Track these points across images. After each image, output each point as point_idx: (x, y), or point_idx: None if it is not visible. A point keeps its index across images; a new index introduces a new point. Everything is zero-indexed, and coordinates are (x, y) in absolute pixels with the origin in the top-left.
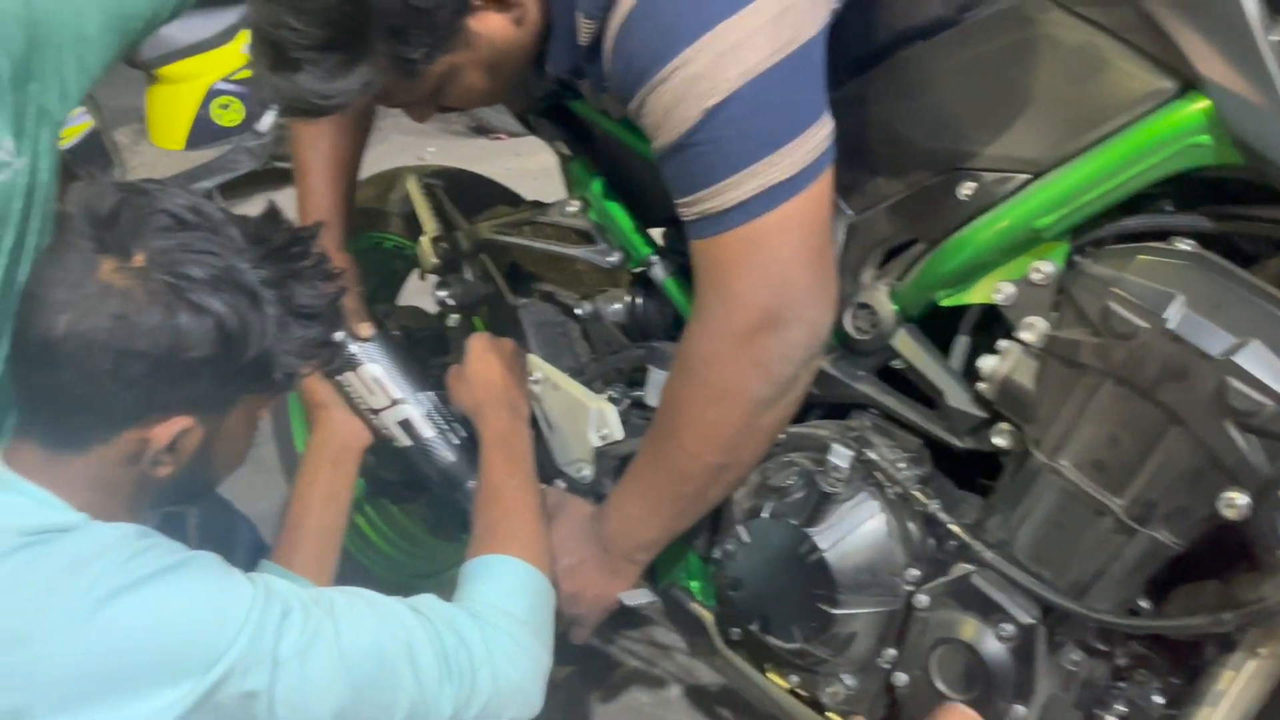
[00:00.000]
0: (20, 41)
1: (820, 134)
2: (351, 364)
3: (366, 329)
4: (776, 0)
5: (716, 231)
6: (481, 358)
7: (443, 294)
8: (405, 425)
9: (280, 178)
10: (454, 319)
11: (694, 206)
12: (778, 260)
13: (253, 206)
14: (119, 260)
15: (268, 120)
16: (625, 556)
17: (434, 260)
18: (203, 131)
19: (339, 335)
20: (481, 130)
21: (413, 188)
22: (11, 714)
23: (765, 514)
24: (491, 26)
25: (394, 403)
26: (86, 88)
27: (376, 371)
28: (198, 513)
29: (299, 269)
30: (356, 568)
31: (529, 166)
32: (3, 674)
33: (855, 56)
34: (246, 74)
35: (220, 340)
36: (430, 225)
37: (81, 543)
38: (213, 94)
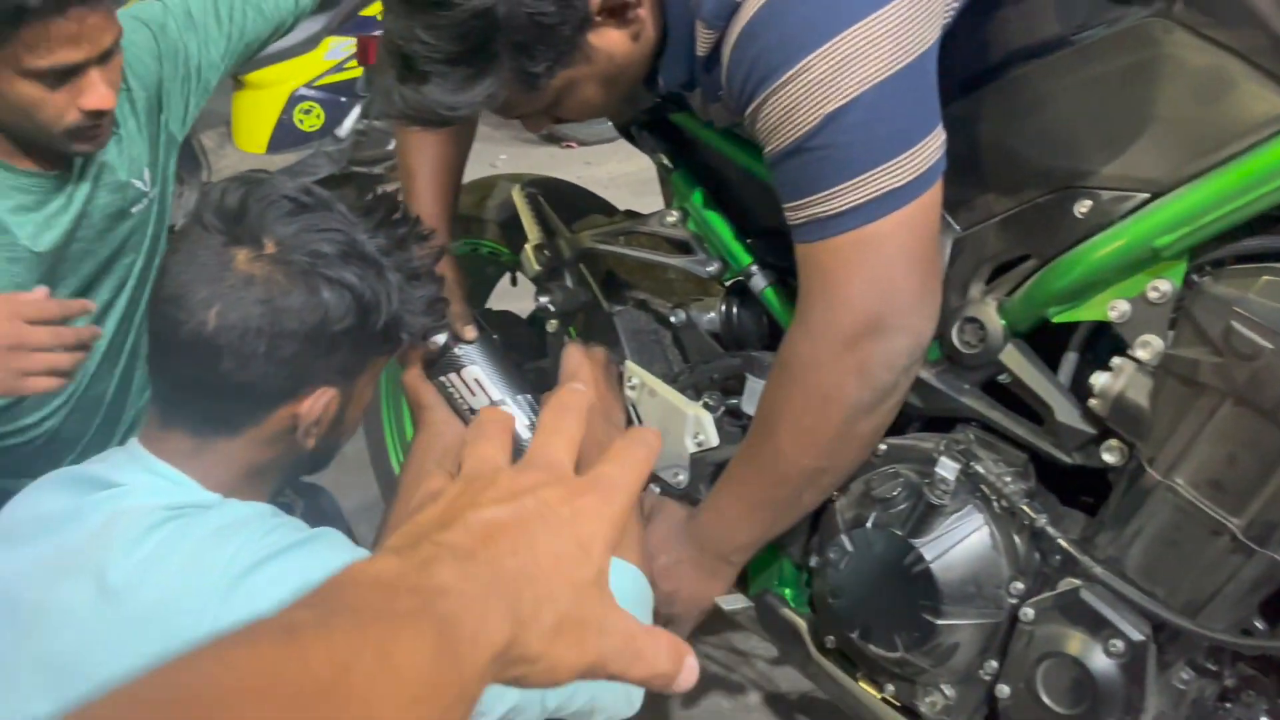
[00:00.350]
0: (155, 73)
1: (934, 144)
2: (455, 365)
3: (470, 331)
4: (897, 12)
5: (826, 235)
6: (576, 366)
7: (544, 300)
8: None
9: (358, 180)
10: (552, 324)
11: (805, 210)
12: (886, 266)
13: None
14: (252, 249)
15: (347, 126)
16: (721, 557)
17: (536, 267)
18: (284, 136)
19: (443, 337)
20: (552, 138)
21: (517, 196)
22: None
23: (869, 524)
24: (610, 41)
25: (494, 404)
26: (201, 106)
27: (478, 373)
28: (303, 504)
29: (404, 235)
30: None
31: (598, 175)
32: (148, 642)
33: (965, 74)
34: (328, 80)
35: (359, 310)
36: (534, 233)
37: (223, 516)
38: (295, 100)
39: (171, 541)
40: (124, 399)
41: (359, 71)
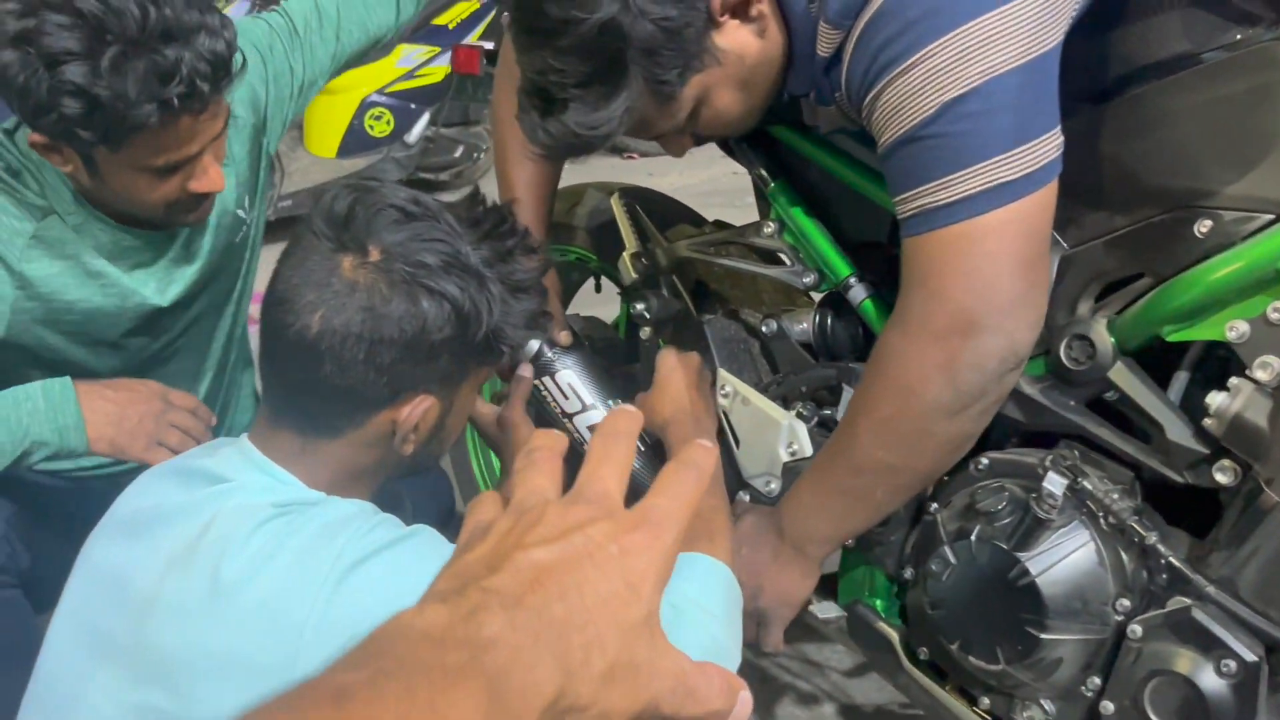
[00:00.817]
0: (261, 98)
1: (1051, 143)
2: (549, 369)
3: (565, 337)
4: (1024, 8)
5: (933, 227)
6: (670, 373)
7: (640, 307)
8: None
9: (423, 187)
10: (646, 331)
11: (915, 201)
12: (990, 262)
13: None
14: (358, 257)
15: (416, 133)
16: (798, 547)
17: (634, 275)
18: (354, 141)
19: (538, 342)
20: (615, 149)
21: (616, 205)
22: (279, 668)
23: (973, 537)
24: (738, 41)
25: (586, 408)
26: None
27: (571, 378)
28: (409, 503)
29: (510, 247)
30: None
31: (661, 186)
32: (256, 636)
33: (1076, 91)
34: (399, 87)
35: (458, 321)
36: (631, 242)
37: (328, 513)
38: (366, 106)
39: (280, 538)
40: (224, 416)
41: (429, 79)
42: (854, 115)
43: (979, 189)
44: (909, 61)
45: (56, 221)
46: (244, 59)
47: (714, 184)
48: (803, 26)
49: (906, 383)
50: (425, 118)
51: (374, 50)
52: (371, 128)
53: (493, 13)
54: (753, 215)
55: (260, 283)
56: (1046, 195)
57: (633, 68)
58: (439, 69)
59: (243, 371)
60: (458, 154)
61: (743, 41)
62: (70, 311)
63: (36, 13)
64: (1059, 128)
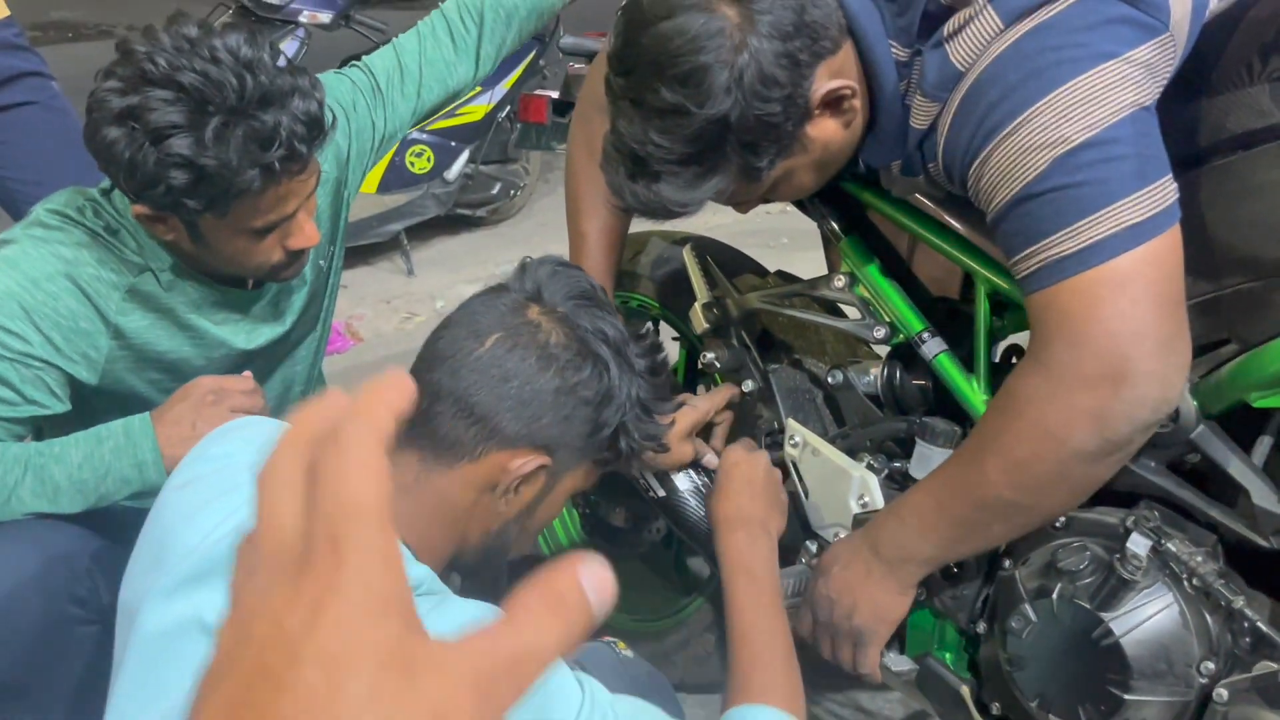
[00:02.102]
0: (344, 152)
1: (1170, 187)
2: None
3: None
4: (1119, 68)
5: (1066, 275)
6: (730, 469)
7: (710, 357)
8: (661, 476)
9: (461, 223)
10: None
11: (1040, 255)
12: (1134, 305)
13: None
14: (547, 308)
15: (455, 170)
16: (892, 565)
17: (705, 325)
18: (395, 177)
19: None
20: None
21: (688, 256)
22: None
23: (1055, 595)
24: (827, 131)
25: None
26: None
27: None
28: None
29: (656, 366)
30: None
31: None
32: None
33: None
34: (439, 125)
35: (602, 396)
36: (703, 292)
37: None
38: (407, 143)
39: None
40: None
41: (469, 118)
42: (947, 184)
43: (1110, 233)
44: (1014, 124)
45: (150, 278)
46: (334, 117)
47: (747, 224)
48: (891, 105)
49: (1048, 428)
50: (465, 155)
51: (450, 104)
52: (412, 164)
53: (532, 54)
54: (789, 257)
55: None
56: (1174, 237)
57: (730, 155)
58: (479, 108)
59: (313, 387)
60: (495, 190)
61: (830, 131)
62: (160, 361)
63: (139, 89)
64: (1170, 173)
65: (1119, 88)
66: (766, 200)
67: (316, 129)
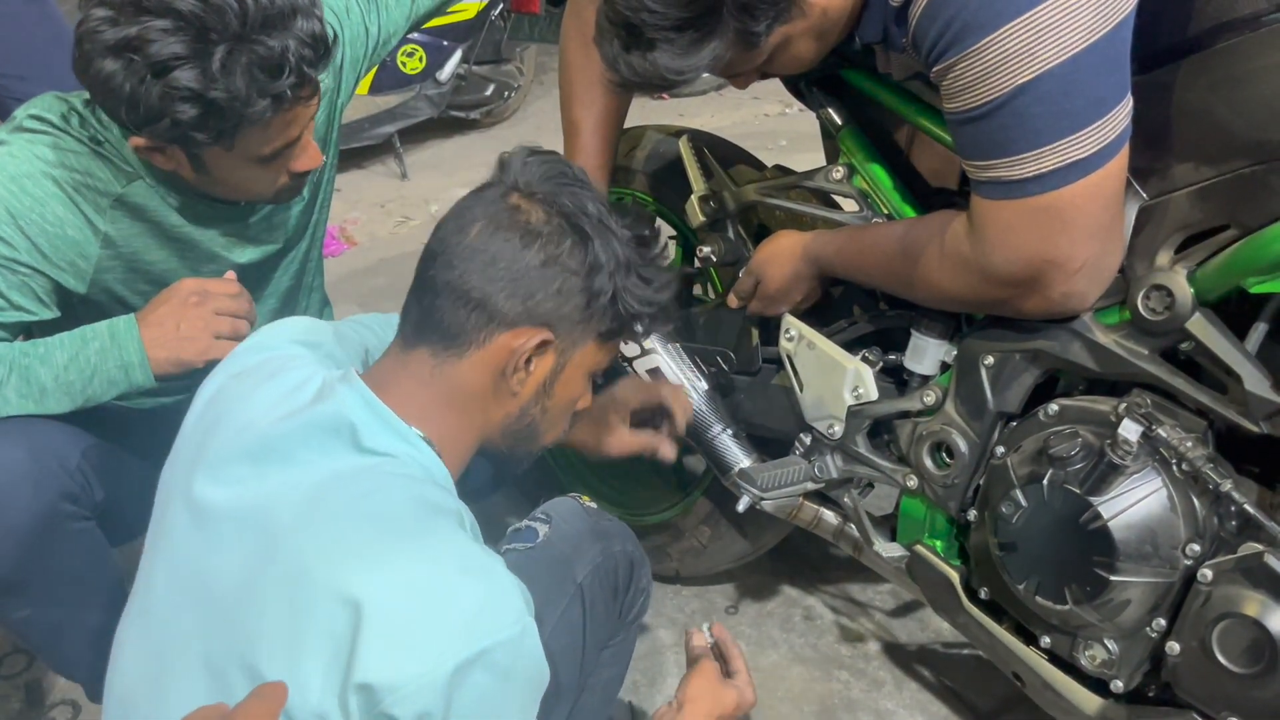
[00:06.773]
0: (336, 59)
1: (1122, 114)
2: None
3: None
4: None
5: (1007, 196)
6: (696, 699)
7: (706, 250)
8: (655, 375)
9: (455, 126)
10: (696, 289)
11: (989, 170)
12: (1065, 232)
13: (428, 152)
14: (526, 193)
15: (448, 70)
16: (806, 255)
17: (701, 218)
18: (387, 78)
19: None
20: None
21: (684, 148)
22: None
23: (1045, 481)
24: None
25: (644, 352)
26: None
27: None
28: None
29: (652, 255)
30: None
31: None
32: None
33: (1162, 43)
34: (432, 23)
35: (590, 265)
36: (699, 185)
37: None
38: (399, 42)
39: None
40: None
41: (462, 15)
42: (919, 64)
43: (1052, 168)
44: (984, 40)
45: (142, 186)
46: (334, 33)
47: (745, 127)
48: None
49: (959, 291)
50: (458, 55)
51: (445, 8)
52: (404, 64)
53: None
54: (787, 159)
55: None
56: (1119, 162)
57: (726, 19)
58: (471, 5)
59: (308, 296)
60: (489, 92)
61: None
62: (149, 272)
63: (133, 18)
64: (1129, 94)
65: (1098, 4)
66: (764, 75)
67: (322, 49)
